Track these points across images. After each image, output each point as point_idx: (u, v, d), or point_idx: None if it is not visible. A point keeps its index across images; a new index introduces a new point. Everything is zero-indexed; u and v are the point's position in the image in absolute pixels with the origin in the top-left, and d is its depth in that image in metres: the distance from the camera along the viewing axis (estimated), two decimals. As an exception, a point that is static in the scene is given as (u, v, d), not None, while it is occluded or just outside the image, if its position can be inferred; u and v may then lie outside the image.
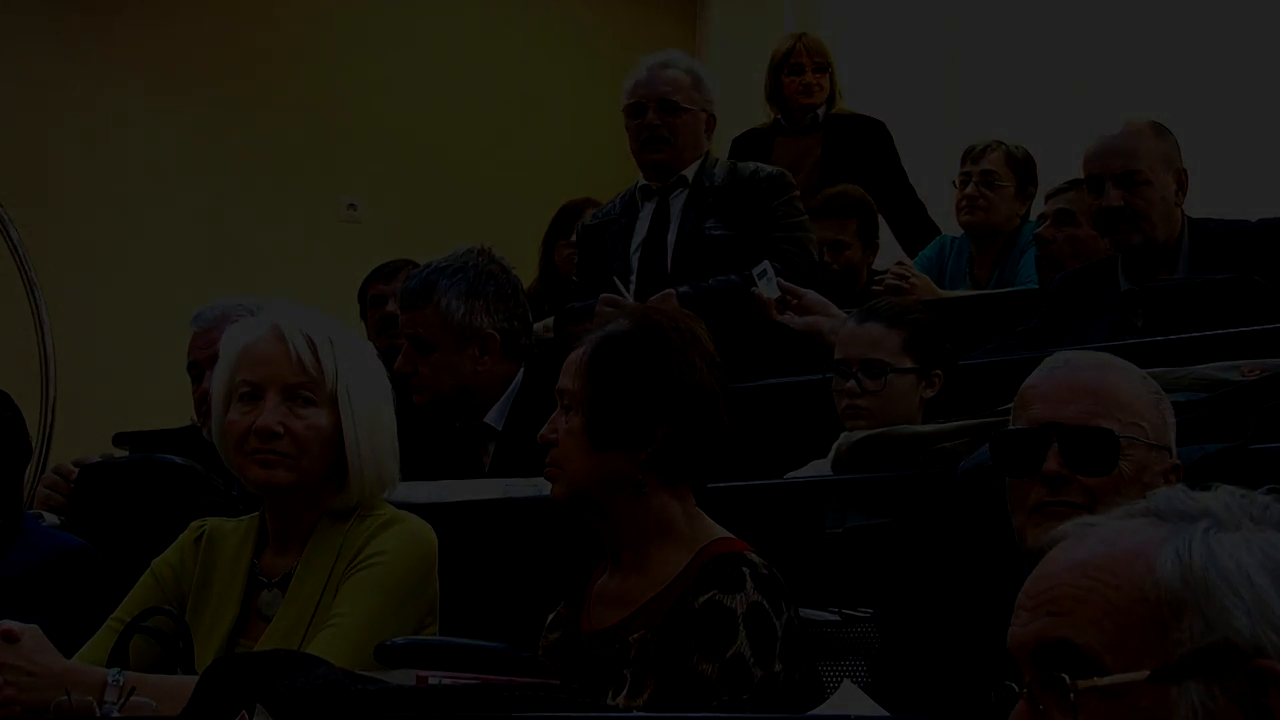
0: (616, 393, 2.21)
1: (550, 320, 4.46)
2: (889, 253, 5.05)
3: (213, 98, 6.97)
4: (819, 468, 3.08)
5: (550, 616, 2.36)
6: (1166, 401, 2.17)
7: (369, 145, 7.23)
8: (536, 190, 6.97)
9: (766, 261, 3.81)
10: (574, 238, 5.05)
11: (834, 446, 2.99)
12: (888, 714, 1.92)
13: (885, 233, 5.05)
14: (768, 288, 3.76)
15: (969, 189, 4.76)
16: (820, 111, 5.19)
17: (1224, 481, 1.28)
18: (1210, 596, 1.17)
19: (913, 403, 3.11)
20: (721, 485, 2.47)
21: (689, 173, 4.12)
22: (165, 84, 6.91)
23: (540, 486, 2.87)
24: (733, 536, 2.24)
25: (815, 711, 1.96)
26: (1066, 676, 1.18)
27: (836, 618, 2.43)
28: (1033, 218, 4.68)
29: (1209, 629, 1.17)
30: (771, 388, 3.65)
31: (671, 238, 4.07)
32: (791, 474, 3.14)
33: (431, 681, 1.92)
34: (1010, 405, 2.36)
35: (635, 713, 2.11)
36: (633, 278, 4.08)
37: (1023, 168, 4.80)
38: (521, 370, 3.40)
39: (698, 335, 2.27)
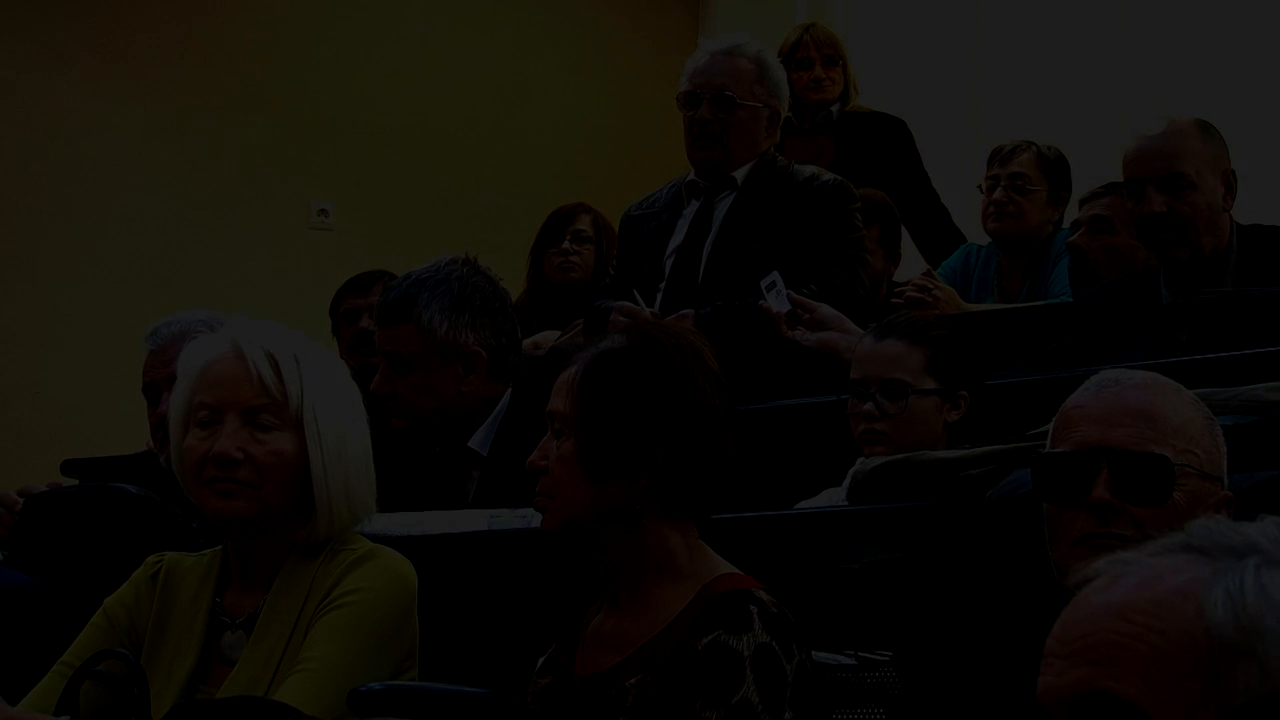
0: (611, 416, 2.22)
1: (540, 336, 4.46)
2: (911, 263, 5.06)
3: (169, 94, 6.98)
4: (833, 497, 3.08)
5: (540, 660, 2.36)
6: (1219, 427, 2.17)
7: (342, 145, 7.25)
8: (525, 195, 6.99)
9: (775, 272, 3.81)
10: (566, 244, 5.07)
11: (849, 474, 2.99)
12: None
13: (906, 242, 5.06)
14: (777, 301, 3.76)
15: (997, 194, 4.77)
16: (834, 109, 5.21)
17: (1274, 513, 1.26)
18: (1267, 641, 1.15)
19: (936, 426, 3.11)
20: (727, 516, 2.47)
21: (740, 174, 4.09)
22: (117, 79, 6.92)
23: (529, 518, 2.88)
24: (739, 572, 2.24)
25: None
26: None
27: (852, 661, 2.43)
28: (1066, 225, 4.69)
29: (1266, 677, 1.14)
30: (781, 410, 3.65)
31: (708, 248, 4.06)
32: (803, 504, 3.14)
33: (410, 731, 1.92)
34: (1042, 429, 2.36)
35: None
36: (662, 285, 4.07)
37: (1055, 170, 4.81)
38: (509, 391, 3.40)
39: (700, 353, 2.27)
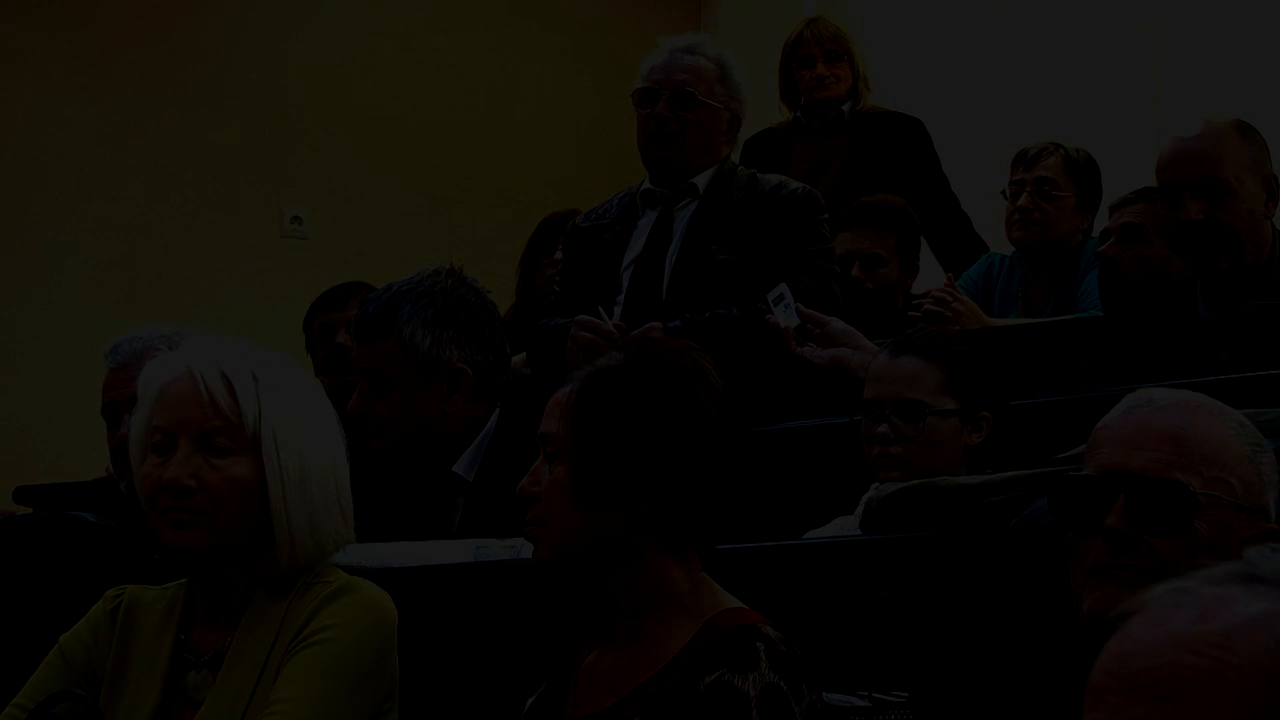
0: (607, 439, 2.22)
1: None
2: (929, 274, 5.07)
3: (130, 92, 6.99)
4: (845, 526, 3.09)
5: (530, 700, 2.36)
6: (1269, 455, 2.15)
7: (317, 147, 7.26)
8: (515, 202, 7.00)
9: (784, 285, 3.81)
10: (559, 254, 5.07)
11: (863, 501, 2.99)
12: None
13: (924, 252, 5.07)
14: (785, 315, 3.76)
15: (1021, 200, 4.78)
16: (845, 108, 5.22)
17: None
18: None
19: (956, 450, 3.11)
20: (732, 547, 2.47)
21: (701, 181, 4.12)
22: (74, 76, 6.93)
23: (519, 548, 2.88)
24: (745, 607, 2.24)
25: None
26: None
27: (866, 703, 2.43)
28: (1096, 234, 4.70)
29: None
30: (790, 432, 3.66)
31: (671, 258, 4.08)
32: (813, 533, 3.14)
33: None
34: (1070, 453, 2.36)
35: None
36: (620, 299, 4.09)
37: (1084, 175, 4.82)
38: (497, 412, 3.40)
39: (704, 371, 2.27)
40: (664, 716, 2.15)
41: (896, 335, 3.34)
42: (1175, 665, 1.16)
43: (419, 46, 7.50)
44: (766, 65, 5.48)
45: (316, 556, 2.38)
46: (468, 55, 7.54)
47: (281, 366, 2.43)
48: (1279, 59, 6.24)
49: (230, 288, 6.96)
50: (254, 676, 2.31)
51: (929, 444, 3.09)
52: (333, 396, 2.56)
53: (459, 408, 3.36)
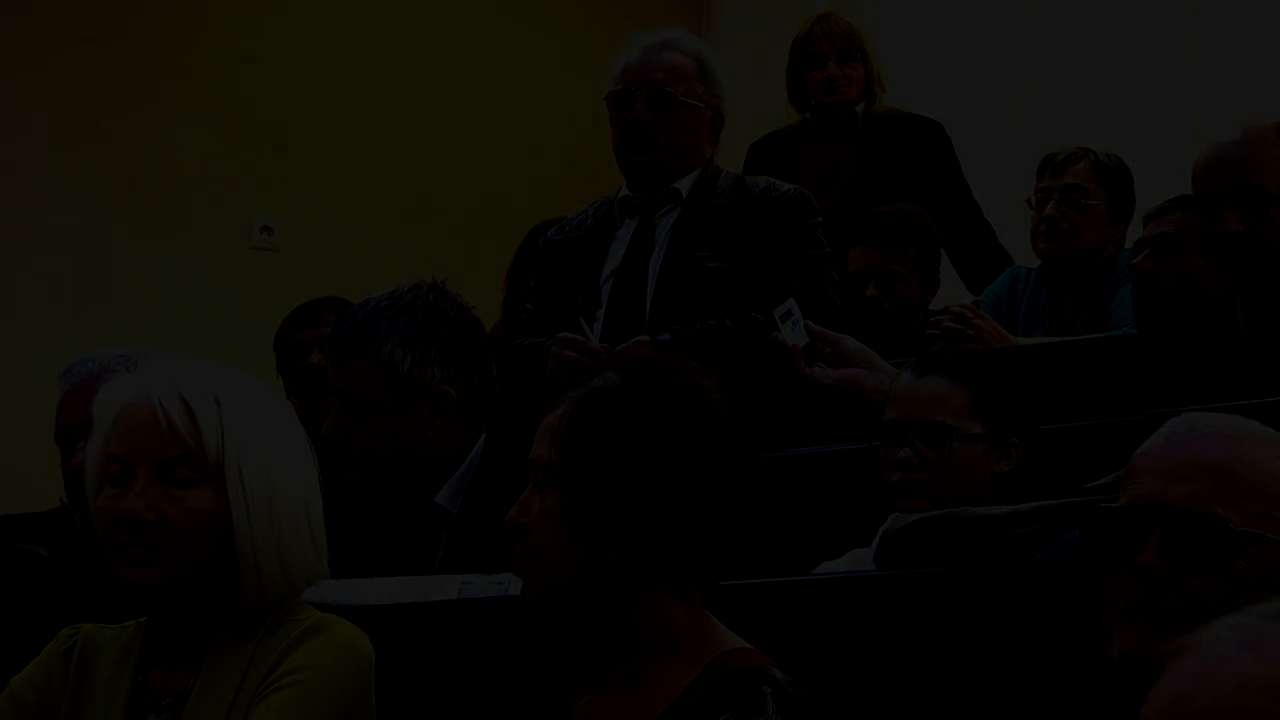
0: (603, 466, 2.21)
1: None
2: (950, 290, 5.07)
3: (87, 94, 6.99)
4: (859, 560, 3.08)
5: (519, 749, 2.36)
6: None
7: (289, 152, 7.27)
8: (501, 211, 7.00)
9: (792, 300, 3.83)
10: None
11: (879, 533, 2.99)
12: None
13: (944, 265, 5.07)
14: (793, 332, 3.77)
15: (1048, 209, 4.78)
16: (858, 109, 5.22)
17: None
18: None
19: (982, 479, 3.12)
20: (736, 582, 2.47)
21: (683, 185, 4.14)
22: (25, 76, 6.93)
23: (506, 584, 2.88)
24: (750, 647, 2.24)
25: None
26: None
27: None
28: (1129, 245, 4.70)
29: None
30: (799, 459, 3.66)
31: (654, 266, 4.09)
32: (824, 567, 3.14)
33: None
34: (1101, 483, 2.35)
35: None
36: (600, 314, 4.09)
37: (1116, 182, 4.82)
38: (483, 437, 3.40)
39: (706, 393, 2.27)
40: (664, 766, 2.15)
41: (917, 355, 3.34)
42: (1242, 710, 1.16)
43: (400, 44, 7.51)
44: (773, 65, 5.49)
45: (286, 593, 2.38)
46: (452, 53, 7.55)
47: (248, 389, 2.43)
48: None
49: (194, 303, 6.96)
50: (219, 721, 2.30)
51: (954, 471, 3.10)
52: (305, 420, 2.56)
53: (442, 433, 3.36)
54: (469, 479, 3.38)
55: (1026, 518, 2.83)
